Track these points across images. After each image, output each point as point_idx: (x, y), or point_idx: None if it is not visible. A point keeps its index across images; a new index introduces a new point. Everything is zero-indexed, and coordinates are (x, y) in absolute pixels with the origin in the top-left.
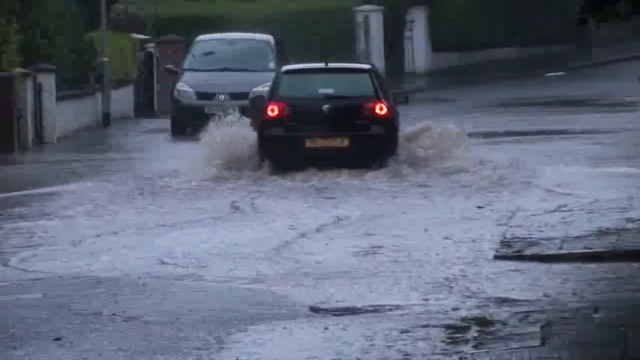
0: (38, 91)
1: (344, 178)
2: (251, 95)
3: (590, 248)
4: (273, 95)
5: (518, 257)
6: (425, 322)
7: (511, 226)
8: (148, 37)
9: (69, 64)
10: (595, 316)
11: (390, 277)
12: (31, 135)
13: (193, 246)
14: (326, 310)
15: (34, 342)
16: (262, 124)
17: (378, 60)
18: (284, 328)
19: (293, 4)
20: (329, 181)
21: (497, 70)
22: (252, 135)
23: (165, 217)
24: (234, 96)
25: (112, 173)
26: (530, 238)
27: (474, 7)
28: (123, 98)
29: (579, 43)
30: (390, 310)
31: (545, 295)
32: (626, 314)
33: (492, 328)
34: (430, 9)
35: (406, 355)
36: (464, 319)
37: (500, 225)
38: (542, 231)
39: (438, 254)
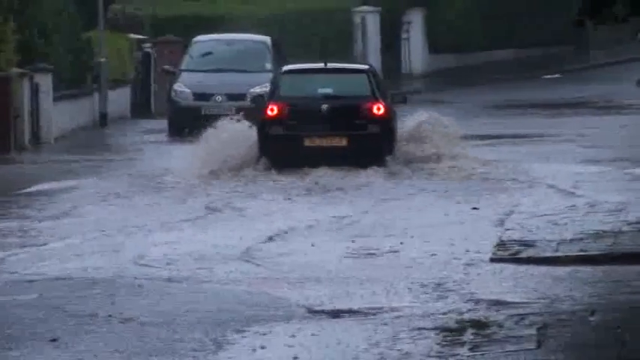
0: (35, 90)
1: (341, 177)
2: (248, 96)
3: (586, 251)
4: (272, 95)
5: (515, 260)
6: (421, 325)
7: (507, 229)
8: (145, 37)
9: (66, 64)
10: (591, 318)
11: (386, 279)
12: (27, 135)
13: (184, 246)
14: (322, 312)
15: (29, 343)
16: (262, 124)
17: (375, 61)
18: (280, 329)
19: (291, 5)
20: (325, 180)
21: (495, 72)
22: (252, 134)
23: (157, 216)
24: (232, 97)
25: (108, 173)
26: (527, 240)
27: (472, 8)
28: (120, 98)
29: (577, 45)
30: (386, 312)
31: (542, 298)
32: (623, 317)
33: (488, 331)
34: (427, 10)
35: (402, 357)
36: (460, 322)
37: (497, 227)
38: (538, 233)
39: (433, 256)
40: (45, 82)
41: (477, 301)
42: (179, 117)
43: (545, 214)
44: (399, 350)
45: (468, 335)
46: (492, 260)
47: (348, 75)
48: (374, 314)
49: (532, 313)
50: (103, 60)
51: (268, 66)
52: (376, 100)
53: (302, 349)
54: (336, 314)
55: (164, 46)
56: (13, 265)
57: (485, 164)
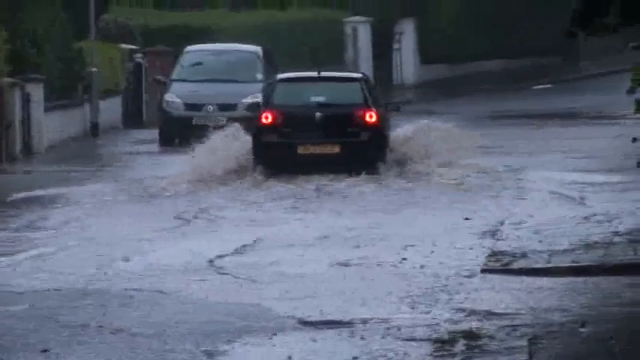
0: (26, 100)
1: (332, 185)
2: (240, 107)
3: (577, 262)
4: (267, 103)
5: (506, 271)
6: (412, 336)
7: (499, 239)
8: (136, 47)
9: (57, 74)
10: (582, 330)
11: (377, 290)
12: (19, 145)
13: (171, 257)
14: (313, 323)
15: (21, 354)
16: (257, 131)
17: (367, 72)
18: (271, 341)
19: (282, 15)
20: (317, 188)
21: (486, 82)
22: (246, 143)
23: (146, 225)
24: (223, 107)
25: (98, 182)
26: (518, 251)
27: (463, 19)
28: (111, 108)
29: (567, 55)
30: (377, 323)
31: (533, 309)
32: (614, 328)
33: (479, 342)
34: (419, 21)
35: None
36: (451, 333)
37: (488, 237)
38: (529, 244)
39: (424, 267)
40: (36, 92)
41: (469, 312)
42: (170, 127)
43: (537, 225)
44: None
45: (460, 346)
46: (483, 271)
47: (341, 83)
48: (365, 325)
49: (523, 325)
50: (94, 70)
51: (259, 76)
52: (368, 108)
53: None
54: (326, 325)
55: (155, 56)
56: (3, 276)
57: (477, 174)
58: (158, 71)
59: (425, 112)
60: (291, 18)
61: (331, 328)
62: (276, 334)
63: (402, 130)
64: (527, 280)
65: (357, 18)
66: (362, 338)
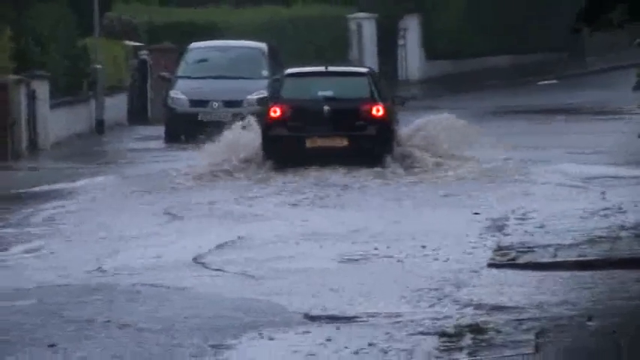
0: (32, 97)
1: (339, 178)
2: (245, 103)
3: (584, 256)
4: (276, 97)
5: (512, 265)
6: (419, 330)
7: (506, 234)
8: (141, 44)
9: (62, 71)
10: (589, 323)
11: (383, 285)
12: (24, 142)
13: (177, 251)
14: (320, 318)
15: (28, 348)
16: (266, 125)
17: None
18: (279, 335)
19: (287, 12)
20: (325, 181)
21: (491, 77)
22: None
23: (153, 220)
24: (228, 103)
25: (104, 178)
26: (525, 245)
27: (468, 15)
28: (116, 105)
29: (572, 51)
30: (384, 317)
31: (540, 303)
32: (620, 322)
33: (486, 336)
34: (423, 17)
35: None
36: (458, 327)
37: (495, 231)
38: (536, 238)
39: (431, 261)
40: (42, 89)
41: (475, 306)
42: (176, 123)
43: (544, 219)
44: (397, 355)
45: (467, 340)
46: (490, 266)
47: (349, 78)
48: (372, 319)
49: (530, 319)
50: (99, 67)
51: (264, 72)
52: (375, 102)
53: (301, 354)
54: (333, 320)
55: (159, 53)
56: (9, 271)
57: (484, 168)
58: (163, 68)
59: (430, 108)
60: (295, 14)
61: (338, 322)
62: (283, 329)
63: (411, 125)
64: (534, 275)
65: (362, 14)
66: (369, 333)
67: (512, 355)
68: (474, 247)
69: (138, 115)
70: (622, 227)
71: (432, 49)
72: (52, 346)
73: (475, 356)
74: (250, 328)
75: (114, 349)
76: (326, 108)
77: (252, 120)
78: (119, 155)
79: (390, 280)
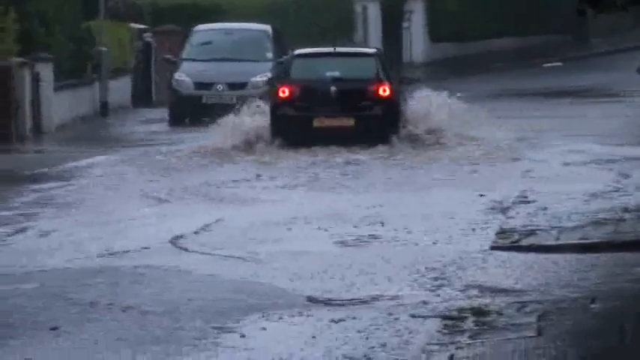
0: (36, 80)
1: (344, 159)
2: (250, 85)
3: (587, 239)
4: (284, 77)
5: (515, 248)
6: (421, 313)
7: (509, 216)
8: (145, 26)
9: (67, 54)
10: (592, 306)
11: (385, 267)
12: (28, 125)
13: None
14: (322, 300)
15: (30, 332)
16: (274, 105)
17: None
18: (282, 317)
19: None
20: (330, 161)
21: (496, 60)
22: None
23: (159, 200)
24: (232, 86)
25: (108, 159)
26: (527, 228)
27: None
28: (121, 88)
29: (577, 33)
30: (387, 300)
31: (542, 286)
32: (623, 304)
33: (488, 319)
34: (428, 0)
35: (402, 344)
36: (460, 310)
37: (499, 214)
38: (539, 221)
39: (433, 243)
40: (46, 71)
41: (478, 289)
42: (180, 106)
43: (547, 202)
44: (399, 338)
45: (469, 323)
46: (493, 248)
47: (356, 58)
48: (375, 302)
49: (532, 301)
50: (103, 49)
51: (269, 55)
52: (382, 82)
53: (304, 336)
54: (335, 302)
55: (164, 35)
56: (13, 254)
57: (488, 150)
58: (167, 50)
59: (434, 90)
60: None
61: (340, 305)
62: (286, 311)
63: (418, 104)
64: (537, 257)
65: None
66: (371, 315)
67: (514, 338)
68: (476, 229)
69: (142, 97)
70: (625, 209)
71: (436, 32)
72: (54, 329)
73: (477, 339)
74: (254, 310)
75: (117, 332)
76: (333, 88)
77: (260, 103)
78: (123, 138)
79: (392, 263)
